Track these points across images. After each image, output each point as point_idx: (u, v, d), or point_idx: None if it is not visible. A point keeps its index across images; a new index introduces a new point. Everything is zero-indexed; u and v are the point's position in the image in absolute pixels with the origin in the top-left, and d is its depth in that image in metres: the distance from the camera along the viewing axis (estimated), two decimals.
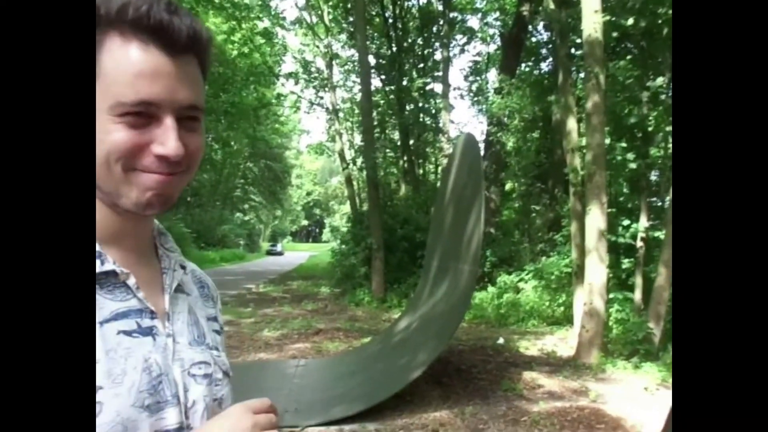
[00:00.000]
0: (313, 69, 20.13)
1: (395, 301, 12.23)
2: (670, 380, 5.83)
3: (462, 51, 22.04)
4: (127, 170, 0.71)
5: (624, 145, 8.57)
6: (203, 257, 26.41)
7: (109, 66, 0.69)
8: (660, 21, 7.72)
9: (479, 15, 20.22)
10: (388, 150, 19.12)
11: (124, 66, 0.69)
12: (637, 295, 8.53)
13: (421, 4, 18.06)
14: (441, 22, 17.98)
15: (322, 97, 20.29)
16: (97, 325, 0.71)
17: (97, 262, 0.73)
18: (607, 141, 7.93)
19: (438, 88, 18.51)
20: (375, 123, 15.91)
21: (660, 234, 8.34)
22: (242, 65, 20.88)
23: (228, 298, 13.30)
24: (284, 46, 21.70)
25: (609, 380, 6.20)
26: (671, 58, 7.71)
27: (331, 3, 18.46)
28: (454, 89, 19.84)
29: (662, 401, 5.34)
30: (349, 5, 16.94)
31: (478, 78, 20.57)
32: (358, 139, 21.00)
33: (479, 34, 20.15)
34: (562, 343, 8.31)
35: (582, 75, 8.58)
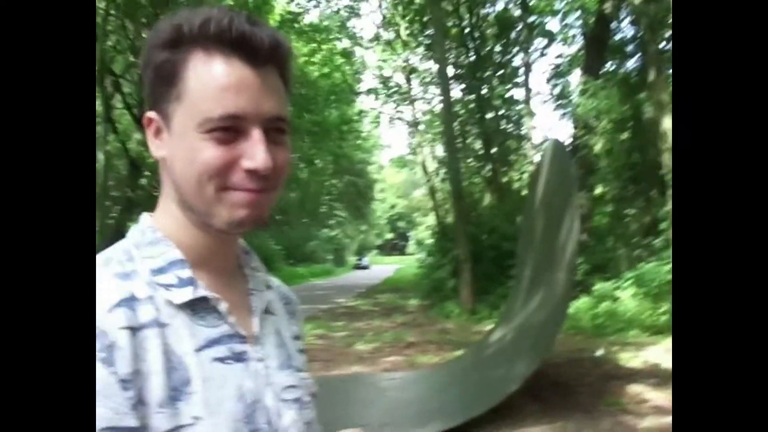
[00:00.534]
0: (392, 84, 20.37)
1: (485, 313, 12.02)
2: None
3: (542, 55, 21.60)
4: (219, 190, 0.70)
5: None
6: (293, 273, 27.16)
7: (194, 83, 0.69)
8: None
9: (559, 16, 19.74)
10: (470, 159, 18.96)
11: (209, 81, 0.68)
12: None
13: (498, 10, 17.87)
14: (519, 27, 17.70)
15: (402, 111, 20.50)
16: (193, 354, 0.70)
17: (190, 288, 0.72)
18: None
19: (519, 94, 18.23)
20: (456, 133, 15.81)
21: None
22: (323, 85, 21.45)
23: (319, 312, 13.56)
24: (363, 63, 22.15)
25: None
26: None
27: (407, 18, 18.64)
28: (536, 94, 19.45)
29: None
30: (425, 18, 17.03)
31: (560, 81, 20.05)
32: (439, 150, 21.00)
33: (559, 36, 19.65)
34: (668, 354, 7.84)
35: None
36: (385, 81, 20.74)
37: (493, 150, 17.23)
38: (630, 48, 14.81)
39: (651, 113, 10.46)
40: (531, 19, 18.05)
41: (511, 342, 6.20)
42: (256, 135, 0.69)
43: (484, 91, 17.00)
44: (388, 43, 20.34)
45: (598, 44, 13.31)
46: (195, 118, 0.69)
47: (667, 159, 8.15)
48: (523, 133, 17.84)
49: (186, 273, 0.73)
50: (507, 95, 18.13)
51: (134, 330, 0.66)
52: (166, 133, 0.73)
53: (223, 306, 0.75)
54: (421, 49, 19.92)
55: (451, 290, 13.72)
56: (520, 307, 6.68)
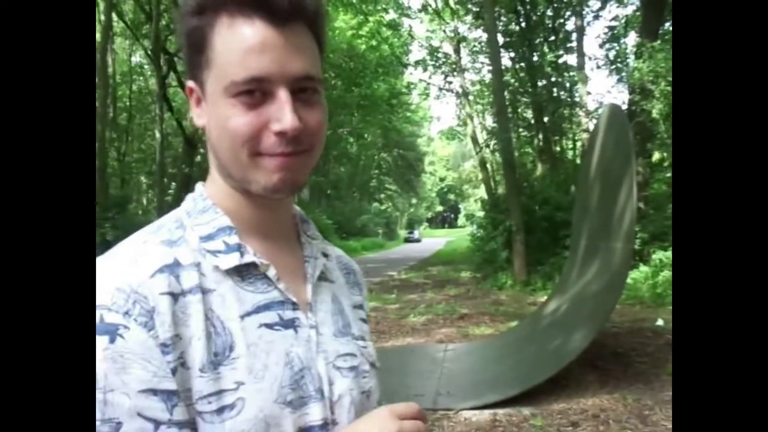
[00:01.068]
0: (440, 54, 20.07)
1: (539, 284, 11.89)
2: None
3: (596, 17, 20.80)
4: (252, 155, 0.69)
5: None
6: (345, 247, 27.47)
7: (220, 48, 0.68)
8: None
9: None
10: (521, 129, 18.57)
11: (232, 44, 0.67)
12: None
13: None
14: None
15: (451, 82, 20.23)
16: (238, 320, 0.70)
17: (237, 254, 0.72)
18: None
19: (572, 60, 17.64)
20: (507, 103, 15.50)
21: None
22: (371, 58, 21.34)
23: (372, 285, 13.71)
24: (411, 35, 21.86)
25: None
26: None
27: None
28: (590, 59, 18.74)
29: None
30: None
31: (615, 45, 19.27)
32: (489, 121, 20.68)
33: None
34: None
35: None
36: (433, 52, 20.44)
37: (545, 119, 16.81)
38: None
39: None
40: None
41: (568, 313, 6.13)
42: (283, 96, 0.68)
43: (535, 59, 16.54)
44: (437, 12, 19.99)
45: (657, 3, 12.71)
46: (222, 82, 0.68)
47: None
48: (576, 100, 17.32)
49: (233, 239, 0.73)
50: (559, 61, 17.59)
51: (176, 295, 0.66)
52: (204, 101, 0.74)
53: (272, 272, 0.74)
54: (469, 18, 19.47)
55: (503, 262, 13.61)
56: (576, 277, 6.58)
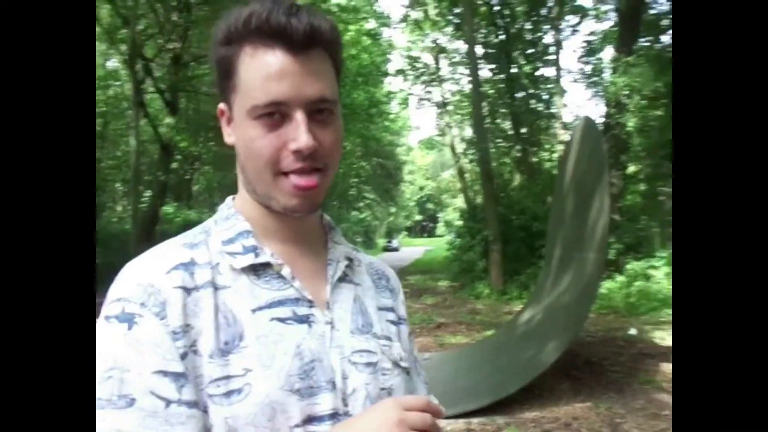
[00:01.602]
0: (420, 65, 20.20)
1: (515, 293, 11.99)
2: None
3: (574, 32, 21.06)
4: (275, 175, 0.77)
5: None
6: None
7: (244, 75, 0.75)
8: None
9: None
10: (499, 140, 18.74)
11: (255, 72, 0.74)
12: None
13: None
14: (550, 4, 17.33)
15: (430, 92, 20.35)
16: (249, 313, 0.76)
17: (252, 255, 0.79)
18: None
19: (549, 73, 17.90)
20: (485, 113, 15.65)
21: None
22: (351, 67, 21.35)
23: None
24: (391, 44, 21.97)
25: None
26: None
27: None
28: (568, 72, 19.08)
29: None
30: None
31: (592, 59, 19.60)
32: (468, 131, 20.82)
33: (592, 12, 19.18)
34: None
35: None
36: (413, 62, 20.58)
37: (523, 130, 17.00)
38: (665, 22, 14.40)
39: None
40: None
41: (542, 322, 6.19)
42: (299, 117, 0.74)
43: (513, 71, 16.73)
44: (417, 22, 20.14)
45: (632, 19, 12.96)
46: (245, 106, 0.76)
47: None
48: (553, 112, 17.55)
49: (250, 242, 0.81)
50: (537, 74, 17.83)
51: (189, 290, 0.74)
52: (233, 122, 0.81)
53: (287, 271, 0.81)
54: (449, 29, 19.66)
55: (480, 271, 13.69)
56: (550, 287, 6.65)
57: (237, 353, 0.73)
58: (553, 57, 17.76)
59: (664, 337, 7.47)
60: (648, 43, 14.27)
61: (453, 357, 6.78)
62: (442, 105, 19.96)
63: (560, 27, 18.03)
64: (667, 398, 4.94)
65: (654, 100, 12.30)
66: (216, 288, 0.76)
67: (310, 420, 0.75)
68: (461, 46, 18.32)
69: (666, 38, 13.97)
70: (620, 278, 10.90)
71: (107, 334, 0.70)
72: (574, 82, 22.78)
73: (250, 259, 0.79)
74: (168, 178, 16.19)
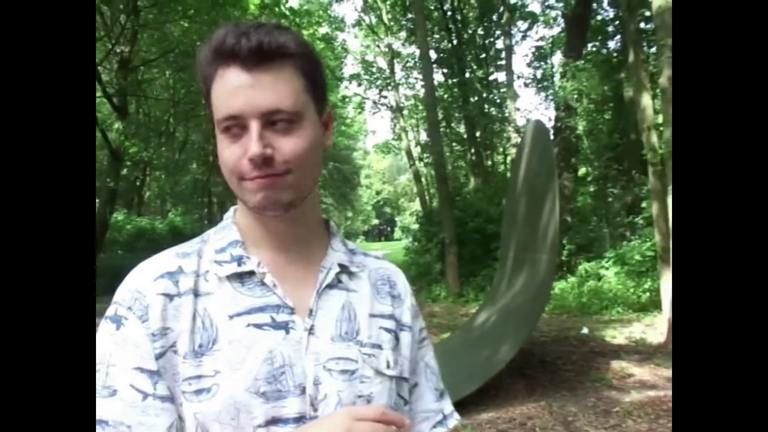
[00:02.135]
0: (374, 69, 20.27)
1: (472, 295, 12.11)
2: None
3: (524, 37, 21.52)
4: (239, 180, 0.81)
5: None
6: None
7: (214, 94, 0.82)
8: None
9: None
10: (454, 144, 18.96)
11: (219, 90, 0.81)
12: None
13: None
14: (501, 10, 17.65)
15: (385, 96, 20.43)
16: (227, 319, 0.81)
17: (235, 263, 0.85)
18: None
19: (502, 77, 18.21)
20: (440, 117, 15.78)
21: None
22: None
23: None
24: (345, 49, 21.96)
25: None
26: None
27: (389, 2, 18.51)
28: (519, 77, 19.45)
29: None
30: (407, 2, 16.93)
31: (542, 63, 20.07)
32: (423, 135, 20.98)
33: (541, 18, 19.64)
34: (651, 329, 7.98)
35: (654, 49, 8.20)
36: (368, 66, 20.64)
37: (477, 134, 17.23)
38: (611, 28, 14.84)
39: (631, 93, 10.51)
40: (513, 0, 18.01)
41: (496, 324, 6.26)
42: (252, 128, 0.78)
43: (466, 75, 16.96)
44: (370, 27, 20.21)
45: (580, 25, 13.31)
46: (216, 121, 0.82)
47: (646, 138, 8.20)
48: (506, 116, 17.85)
49: (238, 251, 0.86)
50: (490, 79, 18.12)
51: (171, 296, 0.81)
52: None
53: (269, 279, 0.85)
54: (403, 34, 19.82)
55: (437, 274, 13.78)
56: (505, 289, 6.74)
57: (210, 355, 0.79)
58: (505, 62, 18.08)
59: (614, 336, 7.67)
60: (595, 48, 14.69)
61: None
62: (398, 109, 20.06)
63: (511, 32, 18.39)
64: (617, 395, 5.07)
65: (601, 104, 12.65)
66: (197, 295, 0.82)
67: (274, 421, 0.78)
68: (415, 50, 18.45)
69: (612, 43, 14.42)
70: (572, 279, 11.14)
71: (101, 332, 0.79)
72: (526, 86, 23.18)
73: (233, 268, 0.84)
74: (118, 184, 15.76)
